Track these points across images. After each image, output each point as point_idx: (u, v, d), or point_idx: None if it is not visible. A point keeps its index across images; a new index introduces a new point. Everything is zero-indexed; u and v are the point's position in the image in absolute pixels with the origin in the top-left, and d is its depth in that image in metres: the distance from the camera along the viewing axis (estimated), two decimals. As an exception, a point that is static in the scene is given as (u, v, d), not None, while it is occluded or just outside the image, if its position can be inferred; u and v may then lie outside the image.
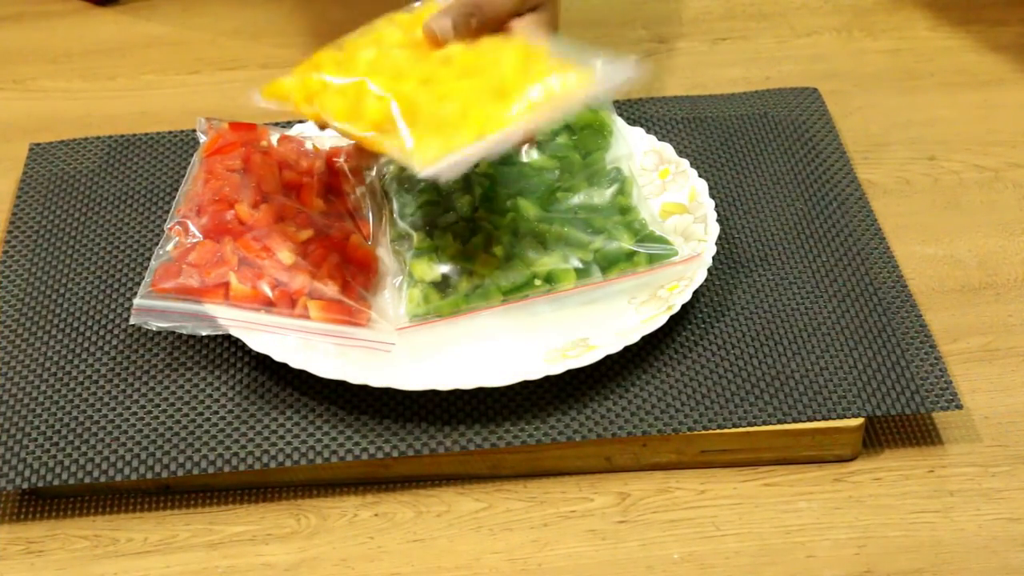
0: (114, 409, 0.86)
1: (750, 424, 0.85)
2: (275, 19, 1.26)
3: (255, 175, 0.93)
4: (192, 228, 0.90)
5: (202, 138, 0.98)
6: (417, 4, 0.93)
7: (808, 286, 0.94)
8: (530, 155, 0.97)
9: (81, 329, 0.92)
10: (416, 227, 0.93)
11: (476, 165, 0.94)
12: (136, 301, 0.87)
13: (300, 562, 0.81)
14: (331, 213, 0.94)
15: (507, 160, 0.96)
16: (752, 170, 1.04)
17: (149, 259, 0.95)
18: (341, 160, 0.98)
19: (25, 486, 0.83)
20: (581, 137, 0.99)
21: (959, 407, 0.86)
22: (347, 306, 0.88)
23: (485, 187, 0.95)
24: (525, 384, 0.86)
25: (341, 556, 0.82)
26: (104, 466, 0.83)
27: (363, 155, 0.95)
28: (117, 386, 0.88)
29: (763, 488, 0.85)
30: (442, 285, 0.90)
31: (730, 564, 0.81)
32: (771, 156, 1.05)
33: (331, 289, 0.88)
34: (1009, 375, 0.91)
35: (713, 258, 0.92)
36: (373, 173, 0.98)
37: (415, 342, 0.88)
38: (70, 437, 0.85)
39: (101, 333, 0.92)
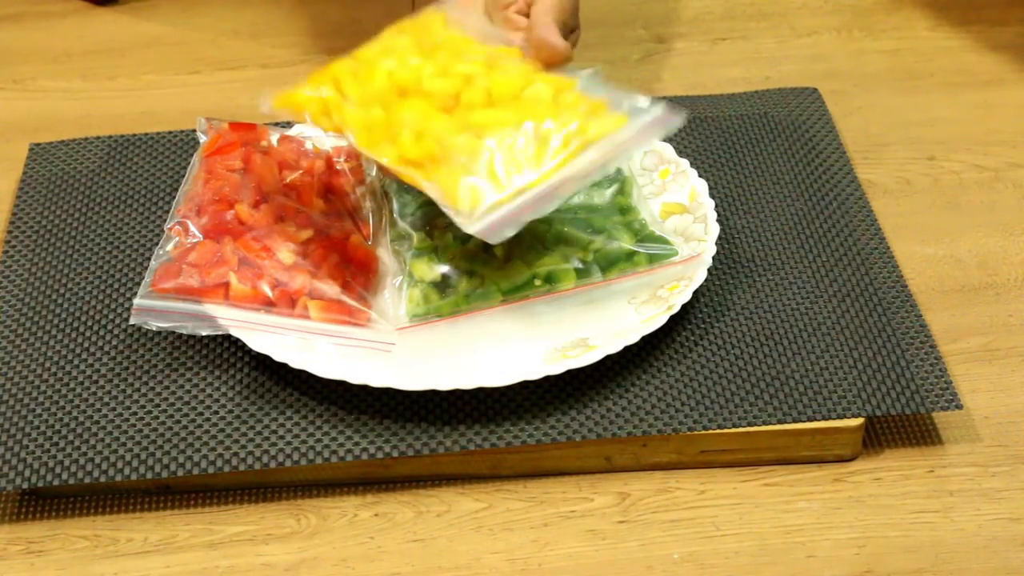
0: (114, 409, 0.86)
1: (750, 424, 0.85)
2: (275, 19, 1.26)
3: (255, 175, 0.93)
4: (192, 228, 0.90)
5: (202, 138, 0.98)
6: (421, 11, 0.93)
7: (808, 286, 0.94)
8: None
9: (81, 329, 0.92)
10: (416, 227, 0.93)
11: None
12: (136, 301, 0.87)
13: (300, 562, 0.81)
14: (331, 213, 0.94)
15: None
16: (752, 170, 1.04)
17: (149, 259, 0.95)
18: (341, 160, 0.98)
19: (25, 486, 0.83)
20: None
21: (959, 407, 0.86)
22: (347, 306, 0.88)
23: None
24: (525, 384, 0.86)
25: (341, 556, 0.82)
26: (104, 466, 0.83)
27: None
28: (117, 386, 0.88)
29: (763, 488, 0.85)
30: (442, 285, 0.90)
31: (730, 564, 0.81)
32: (771, 156, 1.05)
33: (331, 289, 0.88)
34: (1009, 375, 0.91)
35: (713, 258, 0.92)
36: (373, 173, 0.98)
37: (415, 342, 0.88)
38: (70, 437, 0.85)
39: (101, 333, 0.92)
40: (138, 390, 0.88)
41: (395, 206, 0.95)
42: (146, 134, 1.08)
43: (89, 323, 0.92)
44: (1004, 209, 1.04)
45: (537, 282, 0.90)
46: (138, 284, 0.94)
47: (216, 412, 0.86)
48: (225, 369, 0.89)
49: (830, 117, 1.09)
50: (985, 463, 0.86)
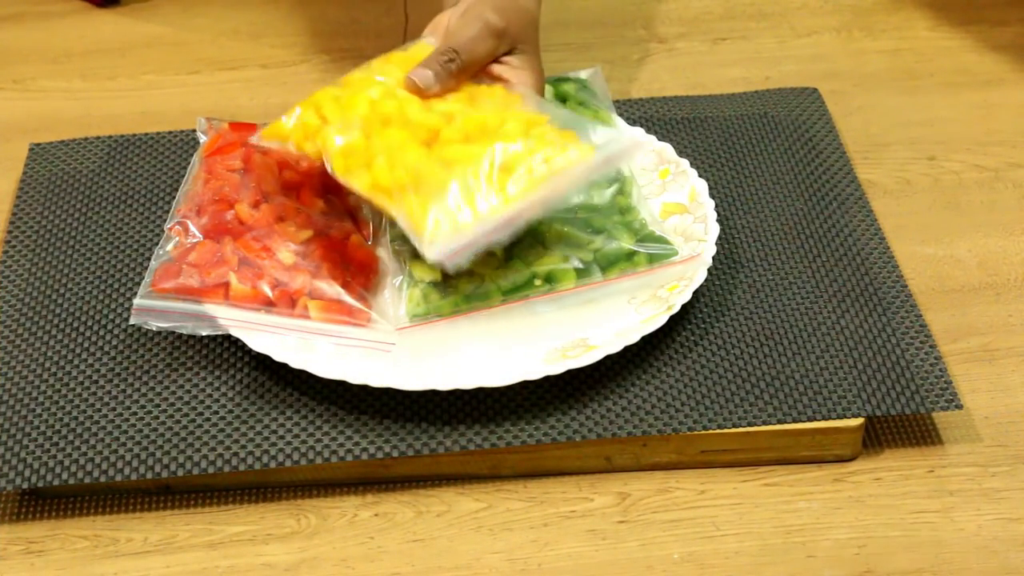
0: (114, 409, 0.86)
1: (750, 424, 0.85)
2: (275, 19, 1.26)
3: (255, 175, 0.93)
4: (192, 228, 0.90)
5: (202, 138, 0.98)
6: (411, 43, 0.94)
7: (808, 286, 0.94)
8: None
9: (81, 329, 0.92)
10: (416, 227, 0.93)
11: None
12: (136, 301, 0.87)
13: (300, 562, 0.81)
14: (331, 213, 0.94)
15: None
16: (752, 170, 1.04)
17: (149, 259, 0.95)
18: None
19: (25, 486, 0.83)
20: (581, 137, 0.99)
21: (959, 407, 0.86)
22: (347, 306, 0.88)
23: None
24: (525, 384, 0.86)
25: (341, 556, 0.82)
26: (104, 466, 0.83)
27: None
28: (117, 386, 0.88)
29: (763, 488, 0.85)
30: (442, 285, 0.90)
31: (730, 564, 0.81)
32: (771, 156, 1.05)
33: (331, 289, 0.88)
34: (1009, 375, 0.91)
35: (713, 258, 0.92)
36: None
37: (415, 342, 0.88)
38: (70, 437, 0.85)
39: (101, 333, 0.92)
40: (138, 390, 0.88)
41: (395, 206, 0.95)
42: (146, 134, 1.08)
43: (89, 323, 0.92)
44: (1004, 209, 1.04)
45: (537, 282, 0.90)
46: (138, 284, 0.94)
47: (216, 412, 0.86)
48: (225, 369, 0.89)
49: (830, 117, 1.09)
50: (985, 463, 0.86)
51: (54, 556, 0.82)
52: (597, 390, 0.87)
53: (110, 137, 1.08)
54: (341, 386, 0.86)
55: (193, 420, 0.85)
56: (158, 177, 1.04)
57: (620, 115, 1.02)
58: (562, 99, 1.00)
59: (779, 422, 0.85)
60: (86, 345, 0.91)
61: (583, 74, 1.03)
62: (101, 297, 0.94)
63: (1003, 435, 0.88)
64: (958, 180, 1.07)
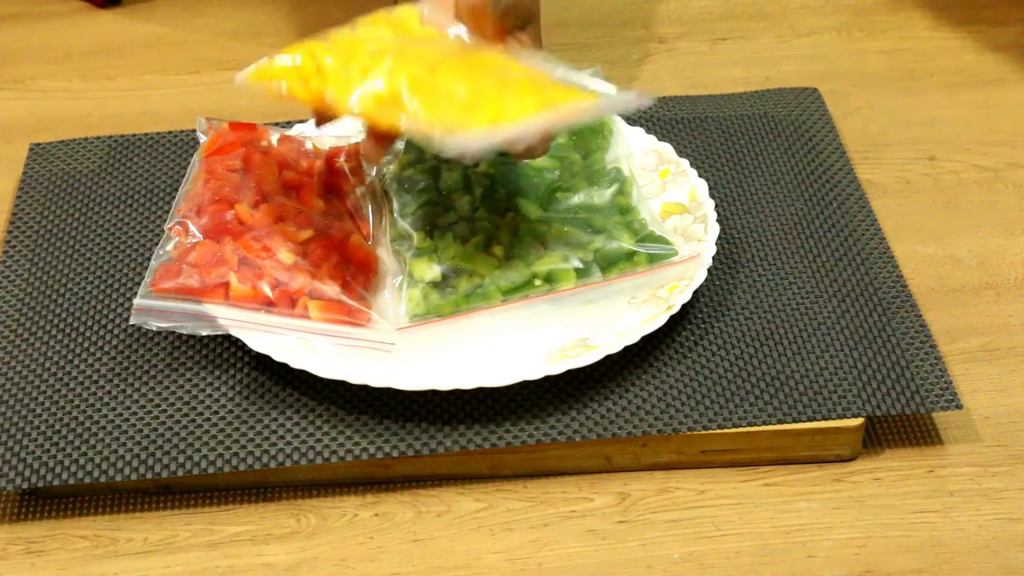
0: (114, 409, 0.86)
1: (750, 424, 0.85)
2: (275, 19, 1.26)
3: (255, 175, 0.93)
4: (192, 228, 0.90)
5: (202, 138, 0.98)
6: (395, 8, 0.93)
7: (808, 286, 0.94)
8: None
9: (81, 329, 0.92)
10: (416, 227, 0.93)
11: (476, 164, 0.94)
12: (136, 301, 0.87)
13: (300, 562, 0.81)
14: (331, 213, 0.94)
15: (507, 160, 0.96)
16: (752, 170, 1.04)
17: (149, 259, 0.95)
18: (341, 160, 0.98)
19: (25, 486, 0.83)
20: (581, 137, 0.99)
21: (959, 407, 0.86)
22: (347, 306, 0.88)
23: (485, 187, 0.95)
24: (525, 384, 0.86)
25: (341, 556, 0.82)
26: (104, 466, 0.83)
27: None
28: (117, 386, 0.88)
29: (763, 488, 0.85)
30: (442, 285, 0.90)
31: (730, 564, 0.81)
32: (771, 156, 1.05)
33: (331, 289, 0.88)
34: (1009, 375, 0.91)
35: (713, 258, 0.92)
36: (373, 173, 0.98)
37: (415, 342, 0.88)
38: (70, 437, 0.85)
39: (101, 333, 0.92)
40: (138, 390, 0.88)
41: (395, 206, 0.95)
42: (146, 134, 1.08)
43: (89, 323, 0.92)
44: (1004, 209, 1.04)
45: (537, 282, 0.90)
46: (138, 284, 0.94)
47: (216, 412, 0.86)
48: (225, 369, 0.89)
49: (830, 117, 1.09)
50: (985, 463, 0.86)
51: (54, 556, 0.82)
52: (597, 390, 0.87)
53: (110, 137, 1.08)
54: (341, 386, 0.86)
55: (193, 420, 0.85)
56: (158, 177, 1.04)
57: (620, 115, 1.02)
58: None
59: (779, 422, 0.85)
60: (86, 345, 0.91)
61: (581, 72, 1.03)
62: (101, 297, 0.94)
63: (1003, 435, 0.88)
64: (958, 180, 1.07)
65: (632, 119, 1.07)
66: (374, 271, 0.92)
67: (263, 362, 0.88)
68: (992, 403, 0.90)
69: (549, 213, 0.93)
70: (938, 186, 1.06)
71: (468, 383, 0.83)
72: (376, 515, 0.84)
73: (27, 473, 0.83)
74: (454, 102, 0.82)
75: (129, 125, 1.12)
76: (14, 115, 1.15)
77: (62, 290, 0.95)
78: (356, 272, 0.90)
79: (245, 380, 0.88)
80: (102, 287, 0.95)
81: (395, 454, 0.83)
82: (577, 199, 0.94)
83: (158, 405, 0.87)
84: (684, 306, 0.89)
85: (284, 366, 0.86)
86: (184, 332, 0.87)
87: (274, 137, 0.99)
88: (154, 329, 0.88)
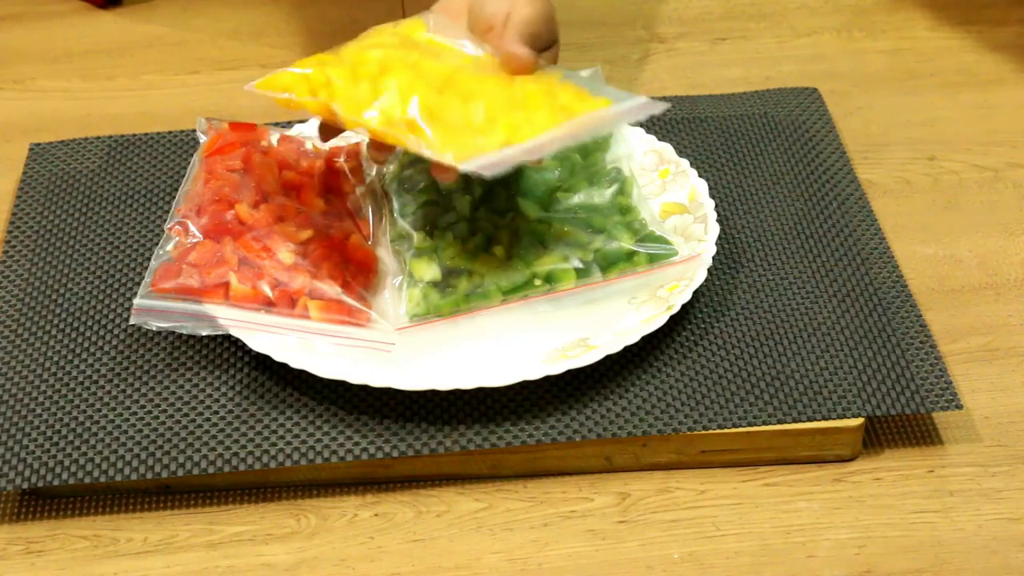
0: (114, 409, 0.86)
1: (750, 424, 0.85)
2: (275, 19, 1.26)
3: (255, 175, 0.93)
4: (192, 228, 0.90)
5: (202, 138, 0.98)
6: (402, 21, 0.93)
7: (808, 286, 0.94)
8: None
9: (81, 329, 0.92)
10: (416, 227, 0.93)
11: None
12: (136, 301, 0.87)
13: (300, 562, 0.81)
14: (331, 213, 0.94)
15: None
16: (752, 170, 1.04)
17: (149, 259, 0.95)
18: (341, 160, 0.98)
19: (25, 486, 0.83)
20: (581, 137, 0.99)
21: (959, 407, 0.86)
22: (347, 306, 0.88)
23: (485, 187, 0.95)
24: (525, 384, 0.86)
25: (341, 556, 0.82)
26: (104, 466, 0.83)
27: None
28: (117, 386, 0.88)
29: (763, 488, 0.85)
30: (442, 285, 0.90)
31: (730, 564, 0.81)
32: (771, 156, 1.05)
33: (331, 289, 0.88)
34: (1009, 375, 0.91)
35: (713, 258, 0.92)
36: (373, 173, 0.98)
37: (415, 342, 0.88)
38: (70, 437, 0.85)
39: (101, 333, 0.92)
40: (138, 390, 0.88)
41: (395, 206, 0.95)
42: (146, 134, 1.08)
43: (89, 323, 0.92)
44: (1004, 209, 1.04)
45: (537, 282, 0.90)
46: (138, 284, 0.94)
47: (216, 412, 0.86)
48: (225, 369, 0.89)
49: (830, 117, 1.09)
50: (985, 463, 0.86)
51: (54, 556, 0.82)
52: (597, 390, 0.87)
53: (110, 137, 1.08)
54: (341, 386, 0.86)
55: (193, 420, 0.85)
56: (158, 177, 1.04)
57: (632, 124, 1.02)
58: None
59: (779, 422, 0.85)
60: (86, 345, 0.91)
61: (583, 74, 1.03)
62: (101, 297, 0.94)
63: (1003, 435, 0.88)
64: (958, 180, 1.07)
65: (632, 119, 1.07)
66: (374, 271, 0.92)
67: (263, 362, 0.88)
68: (992, 403, 0.90)
69: (549, 213, 0.93)
70: (938, 186, 1.06)
71: (468, 383, 0.83)
72: (376, 515, 0.84)
73: (27, 473, 0.83)
74: (466, 126, 0.82)
75: (129, 125, 1.12)
76: (14, 115, 1.15)
77: (62, 290, 0.95)
78: (356, 272, 0.91)
79: (245, 380, 0.88)
80: (102, 287, 0.95)
81: (395, 454, 0.83)
82: (577, 199, 0.94)
83: (158, 405, 0.87)
84: (684, 306, 0.89)
85: (284, 366, 0.86)
86: (184, 332, 0.87)
87: (274, 137, 0.99)
88: (154, 329, 0.88)
